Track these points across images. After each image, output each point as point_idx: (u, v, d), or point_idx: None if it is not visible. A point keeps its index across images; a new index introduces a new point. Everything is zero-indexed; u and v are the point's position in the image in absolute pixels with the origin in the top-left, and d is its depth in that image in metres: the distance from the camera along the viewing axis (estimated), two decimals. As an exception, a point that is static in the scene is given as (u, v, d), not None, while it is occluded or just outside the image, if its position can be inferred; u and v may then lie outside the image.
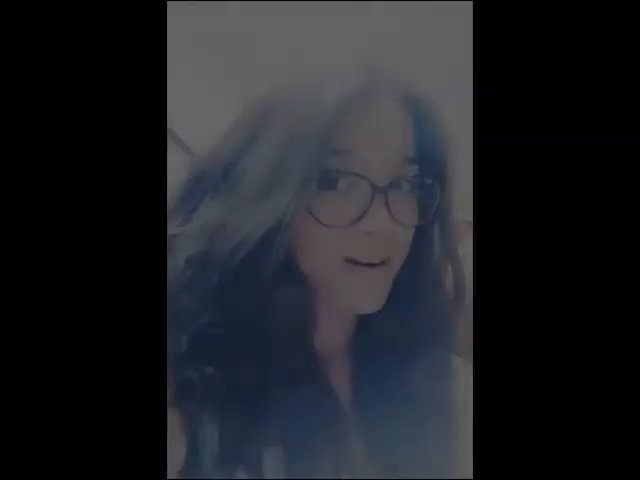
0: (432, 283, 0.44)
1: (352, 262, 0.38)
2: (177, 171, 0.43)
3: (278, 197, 0.36)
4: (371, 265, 0.39)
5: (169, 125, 0.37)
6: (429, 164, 0.40)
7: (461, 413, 0.43)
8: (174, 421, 0.36)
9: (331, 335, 0.44)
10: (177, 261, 0.39)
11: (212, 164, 0.41)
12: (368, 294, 0.40)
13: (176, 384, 0.36)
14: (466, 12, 0.39)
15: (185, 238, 0.39)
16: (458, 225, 0.43)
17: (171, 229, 0.40)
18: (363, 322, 0.45)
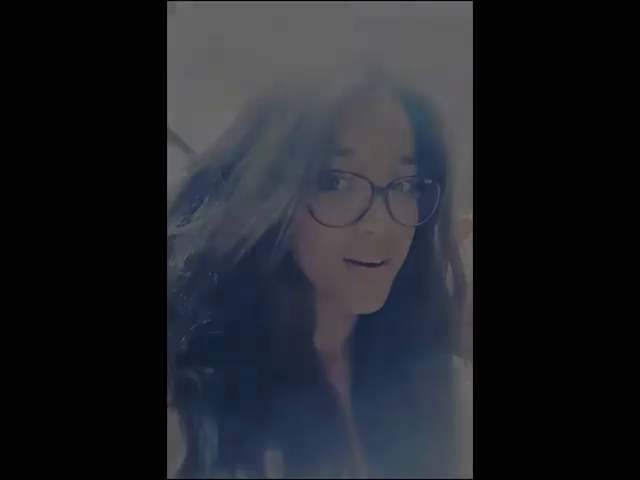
0: (432, 283, 0.44)
1: (352, 262, 0.38)
2: (177, 171, 0.43)
3: (278, 197, 0.36)
4: (371, 265, 0.39)
5: (169, 125, 0.37)
6: (429, 164, 0.40)
7: (461, 413, 0.43)
8: (174, 421, 0.36)
9: (331, 335, 0.44)
10: (177, 261, 0.38)
11: (212, 164, 0.41)
12: (368, 294, 0.40)
13: (176, 384, 0.36)
14: (466, 12, 0.39)
15: (185, 238, 0.39)
16: (458, 225, 0.43)
17: (171, 229, 0.40)
18: (363, 322, 0.45)
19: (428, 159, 0.40)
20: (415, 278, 0.43)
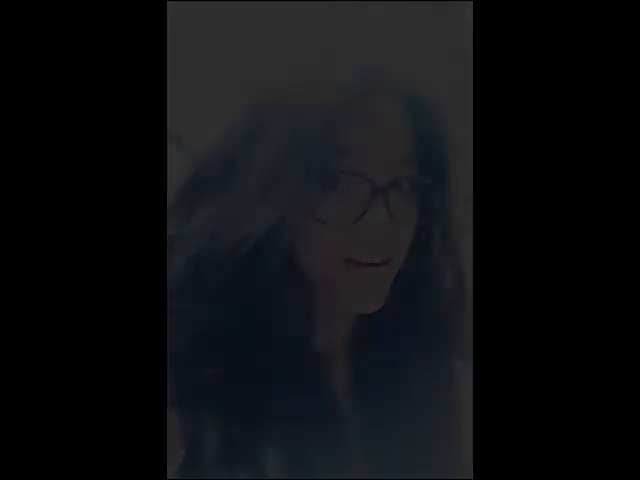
0: (432, 283, 0.44)
1: (352, 262, 0.38)
2: (177, 171, 0.43)
3: (278, 197, 0.36)
4: (371, 265, 0.39)
5: (169, 125, 0.37)
6: (429, 164, 0.40)
7: (461, 413, 0.43)
8: (174, 421, 0.36)
9: (331, 335, 0.44)
10: (177, 261, 0.38)
11: (212, 164, 0.41)
12: (368, 294, 0.40)
13: (176, 384, 0.36)
14: (466, 12, 0.39)
15: (185, 238, 0.39)
16: (458, 225, 0.43)
17: (171, 229, 0.40)
18: (363, 322, 0.45)
19: (428, 159, 0.40)
20: (415, 278, 0.43)
